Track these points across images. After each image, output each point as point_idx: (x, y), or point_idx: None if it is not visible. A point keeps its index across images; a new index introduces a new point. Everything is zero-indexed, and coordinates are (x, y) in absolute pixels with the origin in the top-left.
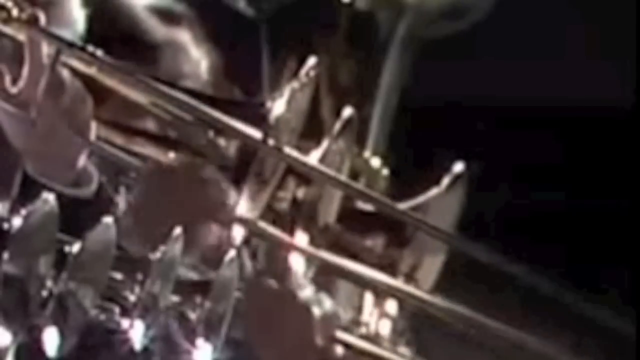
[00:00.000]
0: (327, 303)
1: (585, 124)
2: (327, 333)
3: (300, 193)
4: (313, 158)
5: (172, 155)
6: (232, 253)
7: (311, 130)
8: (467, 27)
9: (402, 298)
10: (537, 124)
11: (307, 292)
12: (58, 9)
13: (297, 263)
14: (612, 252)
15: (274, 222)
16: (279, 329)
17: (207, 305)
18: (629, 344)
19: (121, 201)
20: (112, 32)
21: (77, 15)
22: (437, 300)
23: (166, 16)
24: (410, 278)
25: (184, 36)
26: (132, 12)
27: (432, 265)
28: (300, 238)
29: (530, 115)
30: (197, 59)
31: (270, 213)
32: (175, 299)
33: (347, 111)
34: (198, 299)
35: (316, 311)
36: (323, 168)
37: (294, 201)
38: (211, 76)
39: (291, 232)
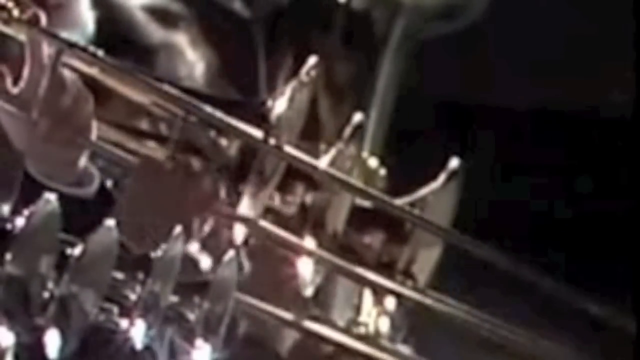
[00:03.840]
0: None
1: (585, 124)
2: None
3: (309, 198)
4: (323, 163)
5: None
6: (230, 253)
7: (307, 128)
8: (463, 26)
9: (400, 296)
10: (536, 124)
11: None
12: (67, 11)
13: (305, 266)
14: (612, 252)
15: (281, 226)
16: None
17: (205, 306)
18: (629, 343)
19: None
20: (109, 35)
21: (86, 17)
22: (435, 298)
23: (163, 18)
24: (407, 273)
25: (181, 39)
26: (130, 15)
27: (428, 259)
28: (308, 242)
29: (529, 116)
30: (194, 60)
31: (277, 217)
32: (174, 299)
33: (357, 117)
34: (197, 300)
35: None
36: (321, 166)
37: (302, 206)
38: (208, 76)
39: (299, 236)
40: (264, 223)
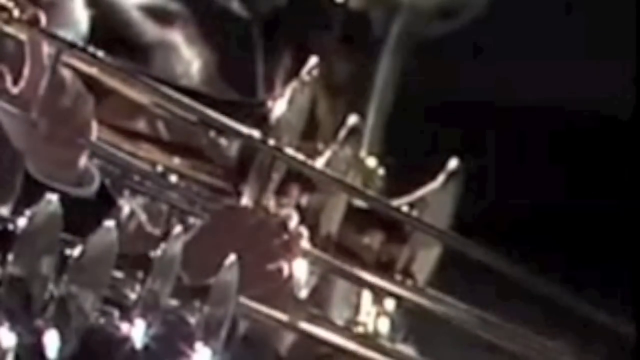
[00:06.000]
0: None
1: (585, 124)
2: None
3: (304, 200)
4: (318, 164)
5: (177, 160)
6: (231, 257)
7: (306, 128)
8: (463, 26)
9: (399, 297)
10: (535, 123)
11: None
12: (61, 10)
13: (300, 267)
14: (611, 252)
15: None
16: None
17: (206, 310)
18: (629, 344)
19: (125, 205)
20: (106, 34)
21: (80, 16)
22: (434, 298)
23: (160, 17)
24: (406, 272)
25: (178, 37)
26: (126, 14)
27: (427, 258)
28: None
29: (528, 115)
30: (191, 58)
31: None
32: (174, 302)
33: (352, 119)
34: (197, 303)
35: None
36: (319, 166)
37: (298, 208)
38: (205, 75)
39: None
40: None
